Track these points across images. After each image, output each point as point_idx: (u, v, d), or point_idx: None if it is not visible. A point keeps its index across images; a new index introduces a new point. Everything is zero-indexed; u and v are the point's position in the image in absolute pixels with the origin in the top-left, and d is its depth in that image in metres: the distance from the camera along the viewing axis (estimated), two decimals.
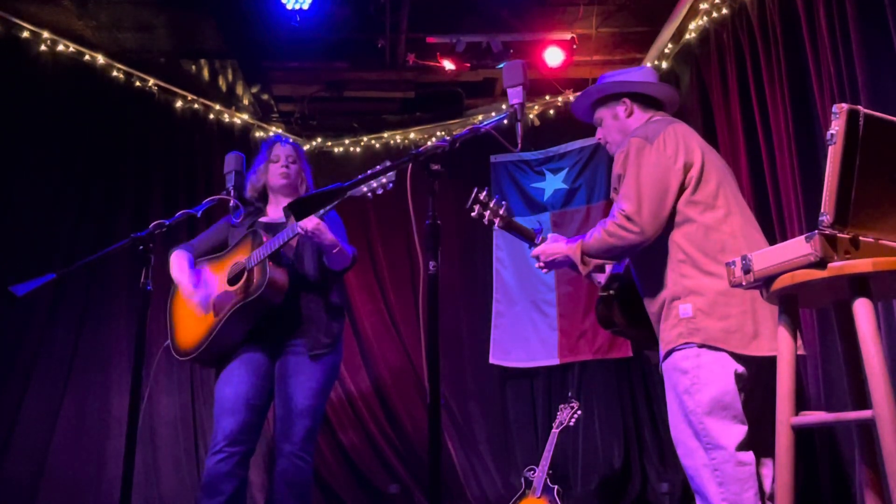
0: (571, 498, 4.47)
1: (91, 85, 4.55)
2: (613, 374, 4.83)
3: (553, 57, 4.58)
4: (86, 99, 4.51)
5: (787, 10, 3.43)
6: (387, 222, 5.21)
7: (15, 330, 4.07)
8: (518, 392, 4.99)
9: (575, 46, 4.59)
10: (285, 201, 2.91)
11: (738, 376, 2.09)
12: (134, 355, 2.24)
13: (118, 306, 4.41)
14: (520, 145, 1.90)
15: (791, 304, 1.76)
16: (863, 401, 1.73)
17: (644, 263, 2.29)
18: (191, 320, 2.84)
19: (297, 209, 1.83)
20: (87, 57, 4.53)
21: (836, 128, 1.59)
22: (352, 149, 5.47)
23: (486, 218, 2.54)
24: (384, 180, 2.40)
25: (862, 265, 1.57)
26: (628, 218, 2.16)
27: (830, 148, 1.59)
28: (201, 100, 5.03)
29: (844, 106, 1.59)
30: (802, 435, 1.73)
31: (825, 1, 3.10)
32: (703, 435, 2.08)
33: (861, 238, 1.61)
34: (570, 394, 4.58)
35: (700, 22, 4.24)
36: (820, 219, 1.59)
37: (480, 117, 5.33)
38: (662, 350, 2.21)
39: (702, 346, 2.10)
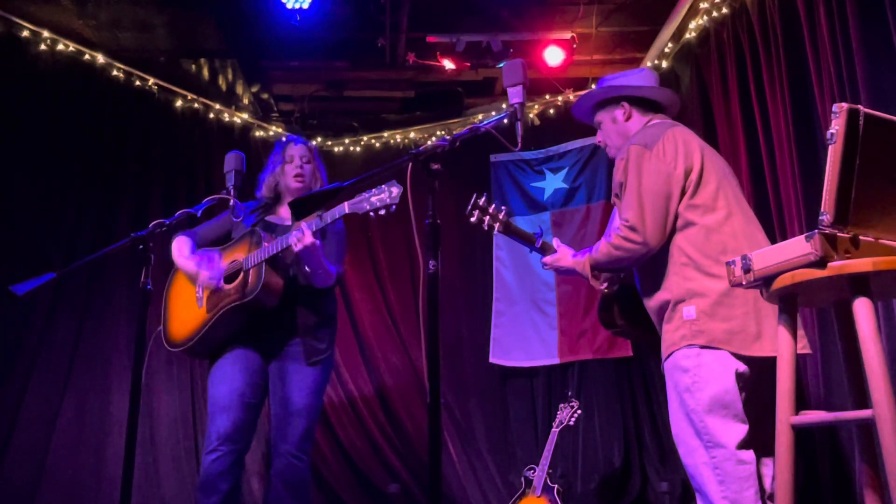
0: (571, 497, 4.46)
1: (91, 84, 4.54)
2: (613, 373, 4.82)
3: (553, 56, 4.58)
4: (86, 98, 4.51)
5: (788, 10, 3.43)
6: (387, 222, 5.17)
7: (15, 330, 4.06)
8: (518, 391, 4.98)
9: (575, 46, 4.58)
10: None
11: (739, 375, 2.09)
12: (134, 355, 2.24)
13: (118, 306, 4.40)
14: (520, 144, 1.90)
15: (791, 303, 1.76)
16: (863, 400, 1.73)
17: (646, 267, 2.30)
18: (185, 312, 2.85)
19: (298, 208, 1.83)
20: (86, 56, 4.53)
21: (836, 127, 1.59)
22: (352, 148, 5.46)
23: (486, 223, 2.52)
24: (388, 200, 2.41)
25: (862, 264, 1.57)
26: (633, 229, 2.18)
27: (830, 147, 1.59)
28: (201, 99, 5.02)
29: (844, 105, 1.59)
30: (802, 434, 1.73)
31: (825, 0, 3.10)
32: (703, 433, 2.08)
33: (861, 237, 1.61)
34: (570, 393, 4.58)
35: (700, 21, 4.24)
36: (820, 218, 1.59)
37: (480, 116, 5.33)
38: (664, 351, 2.21)
39: (704, 347, 2.11)
